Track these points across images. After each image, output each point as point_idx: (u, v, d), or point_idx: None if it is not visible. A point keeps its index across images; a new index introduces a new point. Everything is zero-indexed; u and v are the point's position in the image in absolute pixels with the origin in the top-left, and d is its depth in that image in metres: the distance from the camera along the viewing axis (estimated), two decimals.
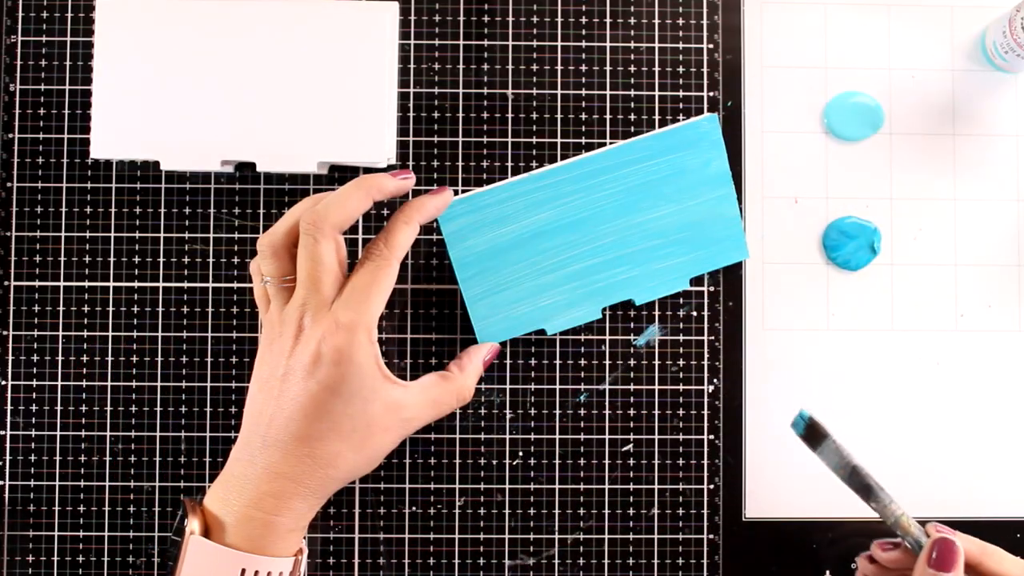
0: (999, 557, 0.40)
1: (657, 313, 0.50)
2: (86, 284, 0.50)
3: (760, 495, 0.50)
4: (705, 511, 0.50)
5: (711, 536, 0.50)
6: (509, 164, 0.50)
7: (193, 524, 0.37)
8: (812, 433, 0.42)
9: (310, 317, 0.38)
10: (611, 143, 0.48)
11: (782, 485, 0.50)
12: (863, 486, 0.41)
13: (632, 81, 0.51)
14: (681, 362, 0.50)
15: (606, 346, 0.50)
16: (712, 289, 0.50)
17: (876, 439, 0.50)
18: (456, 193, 0.47)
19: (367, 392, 0.38)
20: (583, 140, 0.50)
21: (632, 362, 0.50)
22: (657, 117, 0.51)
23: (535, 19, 0.51)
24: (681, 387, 0.50)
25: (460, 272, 0.47)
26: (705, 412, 0.50)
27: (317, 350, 0.38)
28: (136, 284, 0.50)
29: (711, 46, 0.51)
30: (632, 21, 0.51)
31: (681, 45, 0.51)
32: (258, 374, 0.40)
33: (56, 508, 0.49)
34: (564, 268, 0.48)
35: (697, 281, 0.50)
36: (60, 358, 0.49)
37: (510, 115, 0.50)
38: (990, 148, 0.51)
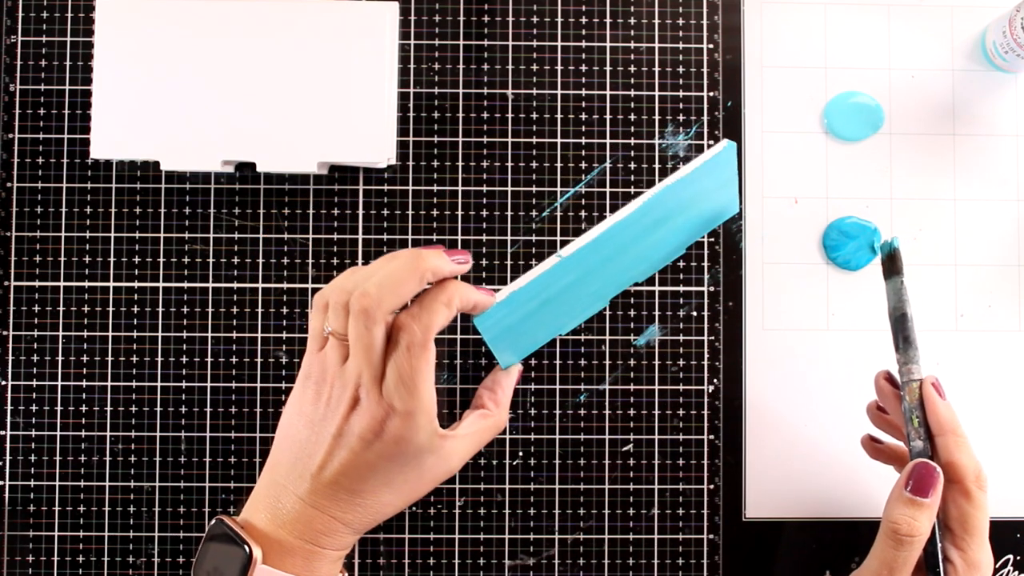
0: (954, 447, 0.40)
1: (657, 313, 0.50)
2: (86, 284, 0.50)
3: (760, 495, 0.50)
4: (705, 511, 0.50)
5: (711, 536, 0.50)
6: (509, 164, 0.50)
7: (258, 551, 0.38)
8: (892, 262, 0.42)
9: (365, 392, 0.38)
10: (637, 195, 0.44)
11: (782, 485, 0.50)
12: (904, 336, 0.41)
13: (632, 81, 0.51)
14: (681, 362, 0.50)
15: (606, 346, 0.50)
16: (712, 289, 0.50)
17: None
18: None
19: (423, 456, 0.40)
20: (583, 140, 0.50)
21: (632, 362, 0.50)
22: (657, 117, 0.51)
23: (535, 19, 0.51)
24: (681, 387, 0.50)
25: (482, 329, 0.44)
26: (705, 412, 0.50)
27: (379, 428, 0.38)
28: (136, 284, 0.50)
29: (711, 46, 0.51)
30: (632, 21, 0.51)
31: (681, 45, 0.51)
32: (302, 408, 0.40)
33: (56, 508, 0.49)
34: (580, 301, 0.47)
35: (697, 281, 0.50)
36: (60, 358, 0.49)
37: (510, 115, 0.50)
38: (990, 148, 0.51)
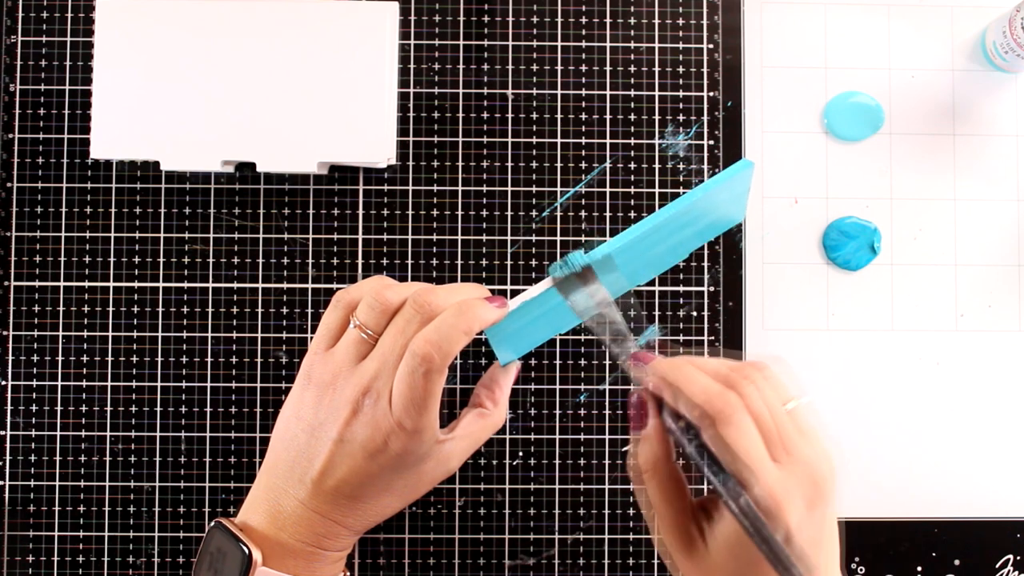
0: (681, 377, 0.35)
1: (657, 313, 0.50)
2: (86, 284, 0.50)
3: None
4: None
5: None
6: (509, 164, 0.50)
7: (257, 553, 0.38)
8: (583, 275, 0.39)
9: (373, 400, 0.38)
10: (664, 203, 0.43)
11: None
12: (615, 329, 0.38)
13: (632, 81, 0.51)
14: None
15: (606, 346, 0.50)
16: (712, 289, 0.50)
17: (876, 439, 0.50)
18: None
19: (423, 463, 0.40)
20: (583, 140, 0.50)
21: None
22: (657, 117, 0.51)
23: (535, 19, 0.51)
24: None
25: (489, 333, 0.43)
26: None
27: (383, 442, 0.38)
28: (136, 284, 0.50)
29: (711, 46, 0.51)
30: (632, 21, 0.51)
31: (681, 45, 0.51)
32: (300, 412, 0.40)
33: (56, 508, 0.49)
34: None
35: (697, 281, 0.50)
36: (60, 358, 0.49)
37: (510, 115, 0.50)
38: (990, 148, 0.51)
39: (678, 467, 0.36)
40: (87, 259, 0.50)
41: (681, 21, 0.51)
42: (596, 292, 0.39)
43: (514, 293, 0.50)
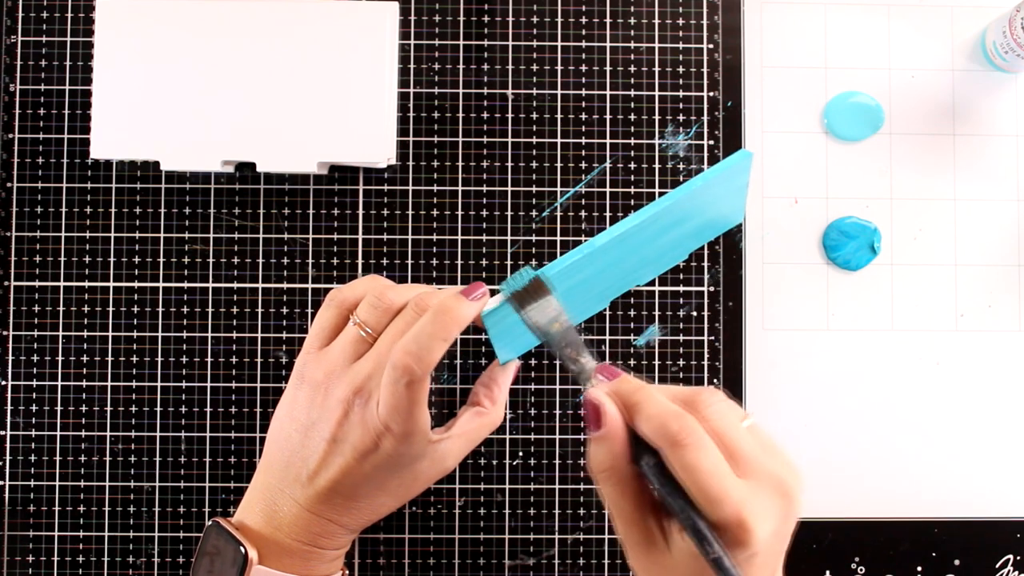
0: (644, 403, 0.34)
1: (657, 313, 0.50)
2: (86, 284, 0.50)
3: None
4: None
5: None
6: (509, 164, 0.50)
7: (253, 552, 0.38)
8: (536, 288, 0.37)
9: (363, 402, 0.38)
10: (660, 194, 0.42)
11: None
12: (574, 343, 0.37)
13: (632, 81, 0.51)
14: (681, 362, 0.50)
15: (606, 346, 0.50)
16: (712, 289, 0.50)
17: (876, 439, 0.50)
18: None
19: (417, 463, 0.40)
20: (583, 140, 0.50)
21: (632, 362, 0.50)
22: (657, 117, 0.51)
23: (535, 19, 0.51)
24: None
25: (487, 319, 0.42)
26: None
27: (373, 444, 0.38)
28: (136, 284, 0.50)
29: (711, 46, 0.51)
30: (632, 21, 0.51)
31: (681, 45, 0.51)
32: (293, 412, 0.40)
33: (56, 508, 0.49)
34: (583, 300, 0.46)
35: (698, 281, 0.50)
36: (60, 358, 0.49)
37: (510, 115, 0.50)
38: (990, 148, 0.51)
39: (634, 468, 0.35)
40: (87, 259, 0.50)
41: (681, 21, 0.51)
42: (548, 306, 0.38)
43: None
